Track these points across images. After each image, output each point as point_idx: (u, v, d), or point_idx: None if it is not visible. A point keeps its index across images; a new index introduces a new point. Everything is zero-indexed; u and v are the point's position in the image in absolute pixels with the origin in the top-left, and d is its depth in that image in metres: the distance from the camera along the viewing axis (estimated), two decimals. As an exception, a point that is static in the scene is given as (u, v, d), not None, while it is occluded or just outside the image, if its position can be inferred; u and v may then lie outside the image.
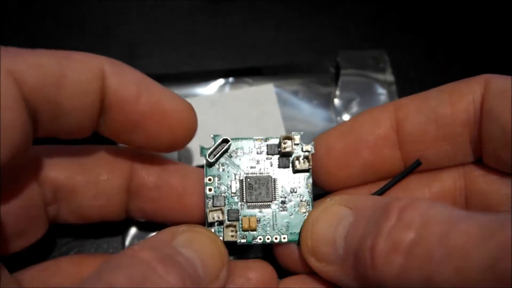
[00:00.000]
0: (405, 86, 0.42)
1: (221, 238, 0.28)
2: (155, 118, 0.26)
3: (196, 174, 0.30)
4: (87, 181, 0.29)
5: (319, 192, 0.31)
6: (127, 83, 0.25)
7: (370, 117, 0.30)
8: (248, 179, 0.29)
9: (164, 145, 0.28)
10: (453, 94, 0.28)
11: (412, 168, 0.29)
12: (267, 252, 0.30)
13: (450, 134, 0.28)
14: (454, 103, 0.27)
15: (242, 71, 0.43)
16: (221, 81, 0.42)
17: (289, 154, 0.30)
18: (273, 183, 0.29)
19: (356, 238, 0.24)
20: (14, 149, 0.22)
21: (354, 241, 0.24)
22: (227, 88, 0.42)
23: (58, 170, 0.28)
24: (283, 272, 0.30)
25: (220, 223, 0.28)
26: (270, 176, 0.30)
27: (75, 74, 0.24)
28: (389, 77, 0.43)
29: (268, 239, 0.29)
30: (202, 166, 0.29)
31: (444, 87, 0.28)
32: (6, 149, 0.21)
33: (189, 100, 0.28)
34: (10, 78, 0.22)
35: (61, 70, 0.23)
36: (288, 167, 0.30)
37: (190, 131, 0.28)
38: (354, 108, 0.43)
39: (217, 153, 0.29)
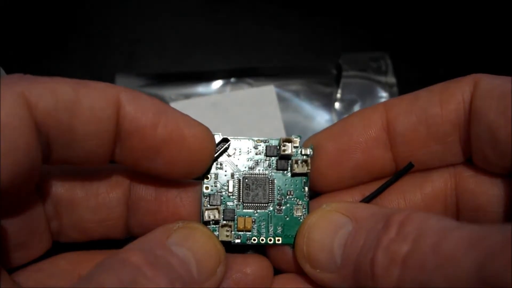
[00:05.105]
0: (406, 88, 0.42)
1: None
2: (174, 144, 0.26)
3: (192, 186, 0.30)
4: (87, 194, 0.29)
5: (310, 192, 0.30)
6: (144, 111, 0.26)
7: (361, 118, 0.29)
8: (246, 180, 0.29)
9: (184, 171, 0.28)
10: (443, 94, 0.28)
11: (405, 171, 0.29)
12: (262, 252, 0.30)
13: (440, 134, 0.28)
14: (444, 103, 0.27)
15: (243, 72, 0.43)
16: (222, 81, 0.42)
17: (288, 157, 0.29)
18: (270, 185, 0.29)
19: (355, 249, 0.24)
20: (15, 171, 0.22)
21: (354, 251, 0.24)
22: (228, 89, 0.42)
23: (57, 184, 0.28)
24: (274, 270, 0.29)
25: (216, 222, 0.28)
26: (267, 177, 0.29)
27: (90, 101, 0.24)
28: (391, 79, 0.43)
29: (262, 240, 0.29)
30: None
31: (434, 87, 0.28)
32: (6, 169, 0.21)
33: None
34: (20, 99, 0.22)
35: (76, 97, 0.24)
36: (286, 169, 0.30)
37: (209, 155, 0.28)
38: (355, 110, 0.43)
39: (217, 152, 0.29)
